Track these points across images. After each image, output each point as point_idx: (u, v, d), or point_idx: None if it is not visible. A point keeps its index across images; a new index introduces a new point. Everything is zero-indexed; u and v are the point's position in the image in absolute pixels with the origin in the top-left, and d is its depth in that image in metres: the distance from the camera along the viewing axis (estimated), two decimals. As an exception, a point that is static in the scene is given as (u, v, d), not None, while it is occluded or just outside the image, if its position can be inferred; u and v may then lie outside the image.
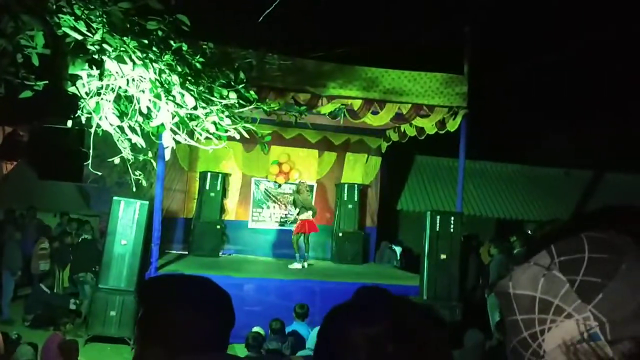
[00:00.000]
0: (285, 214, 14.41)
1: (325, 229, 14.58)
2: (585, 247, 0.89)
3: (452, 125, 11.25)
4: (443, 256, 10.85)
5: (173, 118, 5.46)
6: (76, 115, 4.88)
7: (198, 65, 5.66)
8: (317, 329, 6.66)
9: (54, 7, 4.38)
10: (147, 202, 10.54)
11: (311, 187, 14.62)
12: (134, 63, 4.91)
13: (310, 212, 12.52)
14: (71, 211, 14.18)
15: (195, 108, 5.49)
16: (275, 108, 8.67)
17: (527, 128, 20.29)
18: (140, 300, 1.61)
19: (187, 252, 12.97)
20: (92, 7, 4.51)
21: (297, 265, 12.22)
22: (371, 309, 1.07)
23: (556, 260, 0.90)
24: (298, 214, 12.58)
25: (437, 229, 10.91)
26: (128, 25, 4.80)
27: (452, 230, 10.96)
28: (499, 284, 0.98)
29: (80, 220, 13.29)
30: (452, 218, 11.08)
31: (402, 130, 13.25)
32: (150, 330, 1.51)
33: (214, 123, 5.89)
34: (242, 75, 6.23)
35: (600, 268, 0.87)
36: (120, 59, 4.78)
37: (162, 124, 5.47)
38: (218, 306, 1.55)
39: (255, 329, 7.64)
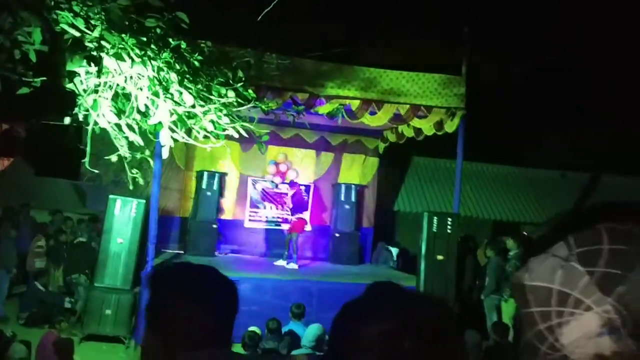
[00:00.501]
0: (279, 216, 14.37)
1: (322, 229, 14.59)
2: (603, 238, 0.87)
3: (450, 127, 11.25)
4: (440, 257, 10.86)
5: (171, 116, 5.45)
6: (74, 112, 4.87)
7: (196, 63, 5.65)
8: (312, 326, 6.66)
9: (52, 3, 4.37)
10: (144, 201, 10.52)
11: (308, 187, 14.64)
12: (132, 60, 4.90)
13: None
14: (67, 209, 14.13)
15: (193, 106, 5.49)
16: (273, 107, 8.67)
17: (524, 129, 20.30)
18: (148, 291, 1.56)
19: (183, 252, 12.94)
20: (91, 3, 4.50)
21: (293, 265, 12.23)
22: (384, 305, 1.06)
23: (574, 251, 0.88)
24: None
25: (434, 230, 10.93)
26: (127, 23, 4.79)
27: (449, 231, 10.98)
28: (514, 275, 0.96)
29: (92, 219, 13.25)
30: (449, 219, 11.10)
31: (400, 131, 13.25)
32: (152, 324, 1.48)
33: (212, 121, 5.88)
34: (240, 73, 6.23)
35: (620, 259, 0.85)
36: (118, 56, 4.77)
37: (160, 122, 5.46)
38: (221, 300, 1.51)
39: (252, 328, 7.63)
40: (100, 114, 5.25)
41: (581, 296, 0.85)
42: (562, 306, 0.87)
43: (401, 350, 0.99)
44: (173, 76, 5.27)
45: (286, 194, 13.17)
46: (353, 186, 14.47)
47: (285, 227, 13.53)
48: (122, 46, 4.75)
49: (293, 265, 12.20)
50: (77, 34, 4.51)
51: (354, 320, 1.06)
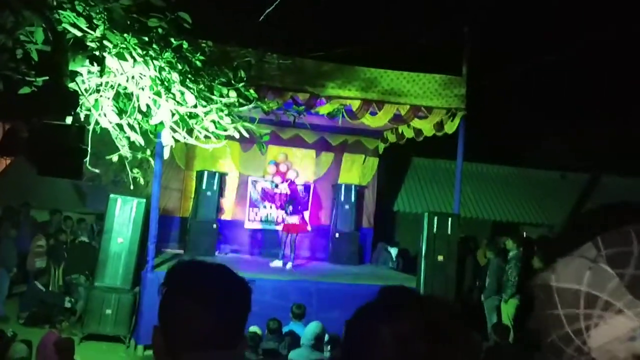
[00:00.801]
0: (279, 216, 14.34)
1: (322, 229, 14.59)
2: (633, 240, 0.85)
3: (450, 127, 11.23)
4: (440, 257, 10.85)
5: (173, 116, 5.45)
6: (75, 112, 4.86)
7: (198, 63, 5.66)
8: (311, 324, 6.65)
9: (54, 3, 4.37)
10: (144, 201, 10.52)
11: (308, 187, 14.64)
12: (134, 60, 4.90)
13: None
14: (68, 209, 14.13)
15: (195, 106, 5.49)
16: (274, 107, 8.68)
17: (524, 130, 20.31)
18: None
19: (182, 251, 12.93)
20: (93, 3, 4.50)
21: (290, 266, 12.21)
22: (399, 308, 1.06)
23: (603, 252, 0.85)
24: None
25: (435, 231, 10.92)
26: (129, 22, 4.79)
27: (449, 231, 10.97)
28: (539, 276, 0.93)
29: (98, 218, 13.24)
30: (450, 219, 11.09)
31: (400, 131, 13.24)
32: (158, 323, 1.46)
33: (214, 122, 5.89)
34: (241, 73, 6.23)
35: None
36: (120, 56, 4.77)
37: (162, 122, 5.47)
38: (224, 299, 1.45)
39: (252, 328, 7.63)
40: (102, 114, 5.26)
41: (611, 299, 0.83)
42: (590, 309, 0.85)
43: (418, 352, 0.98)
44: (175, 76, 5.27)
45: (286, 194, 13.14)
46: (353, 186, 14.46)
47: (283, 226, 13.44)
48: (124, 46, 4.76)
49: (289, 265, 12.21)
50: (79, 34, 4.51)
51: (369, 322, 1.06)
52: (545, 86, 19.90)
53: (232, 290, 1.49)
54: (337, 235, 14.09)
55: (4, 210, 12.82)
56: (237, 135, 6.36)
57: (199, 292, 1.43)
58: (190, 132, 6.06)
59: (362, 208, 15.01)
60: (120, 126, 5.54)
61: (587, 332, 0.85)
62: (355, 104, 10.76)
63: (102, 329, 10.07)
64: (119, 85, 5.20)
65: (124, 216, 10.54)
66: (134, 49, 4.82)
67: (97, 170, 6.16)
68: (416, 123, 11.63)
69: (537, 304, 0.93)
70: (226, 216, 14.13)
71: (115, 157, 5.97)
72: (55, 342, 7.03)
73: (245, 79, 6.20)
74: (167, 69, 5.22)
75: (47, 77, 4.31)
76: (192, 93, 5.41)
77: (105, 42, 4.62)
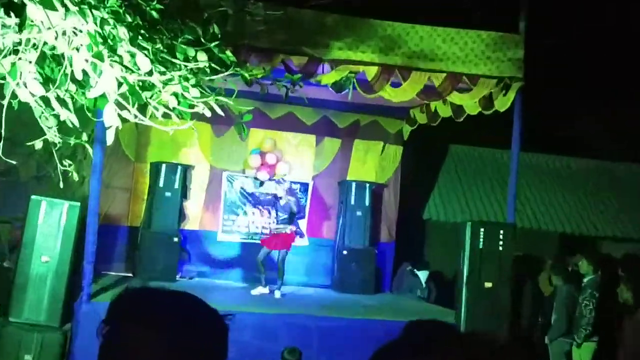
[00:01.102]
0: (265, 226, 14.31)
1: (324, 244, 14.59)
2: None
3: (503, 103, 11.21)
4: (488, 284, 10.86)
5: (119, 87, 5.42)
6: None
7: (154, 14, 5.63)
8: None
9: None
10: (79, 204, 10.49)
11: (305, 185, 14.64)
12: (66, 9, 4.87)
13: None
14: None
15: (150, 73, 5.46)
16: (259, 76, 8.66)
17: (599, 109, 20.16)
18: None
19: (131, 274, 12.95)
20: None
21: (277, 294, 12.22)
22: (430, 344, 1.04)
23: None
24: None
25: (481, 247, 10.93)
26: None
27: (501, 248, 10.96)
28: None
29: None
30: (502, 232, 11.09)
31: (433, 109, 13.24)
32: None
33: (176, 94, 5.86)
34: (214, 29, 6.21)
35: None
36: (47, 4, 4.74)
37: (104, 95, 5.44)
38: (182, 325, 1.46)
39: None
40: (21, 83, 5.23)
41: None
42: None
43: None
44: (122, 32, 5.25)
45: (275, 195, 13.13)
46: (367, 185, 14.48)
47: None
48: (53, -11, 4.74)
49: (277, 294, 12.21)
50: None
51: None
52: (622, 52, 19.79)
53: (197, 318, 1.50)
54: (344, 252, 14.09)
55: None
56: (207, 114, 6.34)
57: (150, 318, 1.45)
58: (143, 108, 6.03)
59: (380, 215, 15.04)
60: (46, 100, 5.51)
61: None
62: (370, 71, 10.76)
63: (20, 382, 10.07)
64: (45, 44, 5.17)
65: (51, 225, 10.49)
66: (66, -6, 4.80)
67: (13, 162, 6.15)
68: (455, 98, 11.62)
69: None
70: (192, 226, 14.15)
71: (38, 144, 5.95)
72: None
73: (219, 36, 6.18)
74: (111, 21, 5.19)
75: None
76: (146, 55, 5.38)
77: (26, -16, 4.61)
